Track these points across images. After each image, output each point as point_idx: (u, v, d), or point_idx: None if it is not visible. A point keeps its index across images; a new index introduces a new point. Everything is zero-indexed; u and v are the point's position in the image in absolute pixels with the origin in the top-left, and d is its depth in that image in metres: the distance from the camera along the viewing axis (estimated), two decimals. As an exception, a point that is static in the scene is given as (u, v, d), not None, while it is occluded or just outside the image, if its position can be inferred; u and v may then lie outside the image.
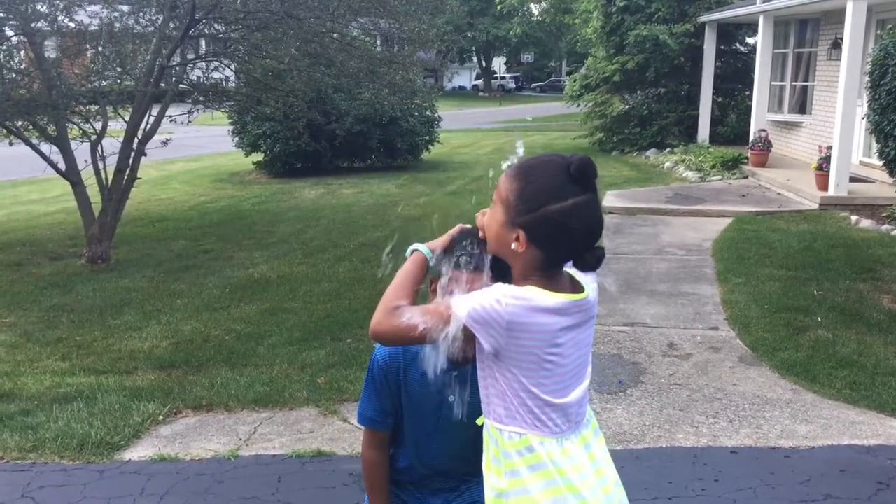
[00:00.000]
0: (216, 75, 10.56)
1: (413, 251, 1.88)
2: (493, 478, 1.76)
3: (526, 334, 1.65)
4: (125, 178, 8.78)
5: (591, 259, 1.69)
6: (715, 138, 17.11)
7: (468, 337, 1.67)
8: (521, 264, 1.71)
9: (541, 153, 1.78)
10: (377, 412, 2.15)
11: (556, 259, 1.71)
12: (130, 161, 8.77)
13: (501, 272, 1.81)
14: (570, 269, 1.76)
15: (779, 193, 11.85)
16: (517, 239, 1.67)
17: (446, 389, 2.05)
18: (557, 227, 1.65)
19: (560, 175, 1.65)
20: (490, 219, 1.74)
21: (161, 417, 4.65)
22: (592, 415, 1.86)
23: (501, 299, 1.63)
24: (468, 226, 1.97)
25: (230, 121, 15.47)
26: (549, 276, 1.70)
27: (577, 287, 1.74)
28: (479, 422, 1.82)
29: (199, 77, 10.29)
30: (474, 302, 1.65)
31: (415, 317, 1.69)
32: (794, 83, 15.36)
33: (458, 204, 11.84)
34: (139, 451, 4.26)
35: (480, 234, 1.81)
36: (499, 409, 1.74)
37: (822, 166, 10.96)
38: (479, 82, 64.10)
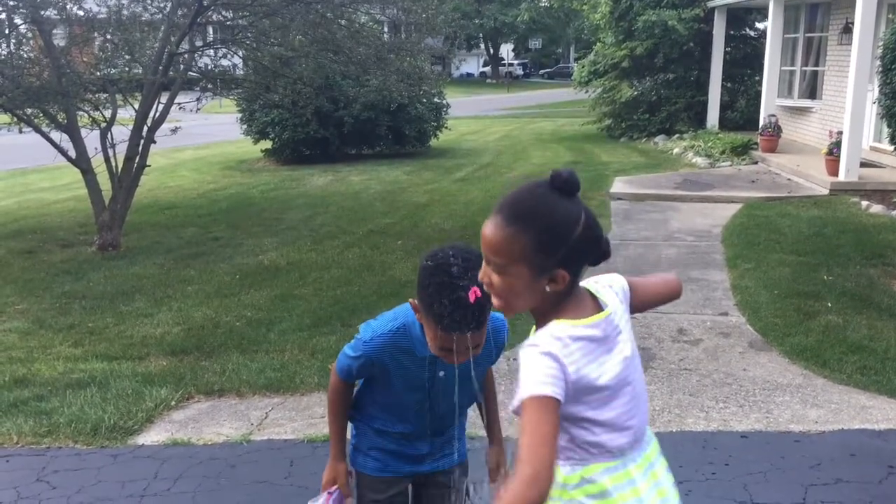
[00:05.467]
0: (224, 63, 10.56)
1: None
2: None
3: (586, 370, 1.60)
4: (135, 165, 8.81)
5: (606, 247, 1.64)
6: (724, 124, 17.03)
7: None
8: (548, 302, 1.63)
9: (508, 190, 1.67)
10: (352, 373, 2.31)
11: (582, 271, 1.66)
12: (140, 149, 8.80)
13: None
14: (587, 284, 1.72)
15: (789, 179, 11.79)
16: (552, 280, 1.59)
17: (436, 366, 2.21)
18: (590, 242, 1.60)
19: (560, 201, 1.58)
20: (508, 284, 1.61)
21: (173, 403, 4.68)
22: (653, 434, 1.82)
23: (558, 355, 1.56)
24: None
25: (238, 108, 15.48)
26: (576, 302, 1.65)
27: (598, 303, 1.70)
28: None
29: (207, 65, 10.30)
30: (535, 378, 1.55)
31: (540, 452, 1.50)
32: (804, 68, 15.26)
33: (467, 191, 11.84)
34: (152, 436, 4.30)
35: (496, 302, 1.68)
36: (560, 443, 1.66)
37: (833, 151, 10.91)
38: (487, 69, 63.94)
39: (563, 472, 1.67)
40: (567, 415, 1.60)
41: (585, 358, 1.60)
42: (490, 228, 1.61)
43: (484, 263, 1.65)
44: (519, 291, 1.61)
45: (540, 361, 1.56)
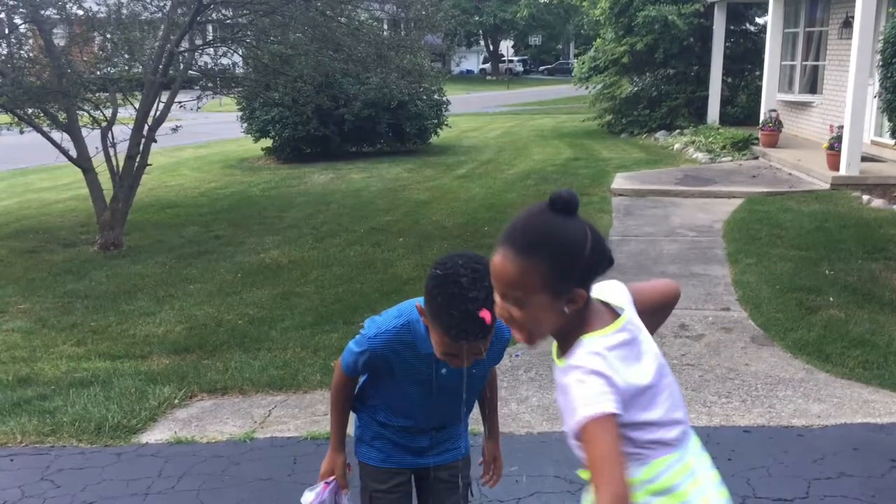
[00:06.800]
0: (224, 61, 10.56)
1: None
2: None
3: (630, 374, 1.61)
4: (136, 164, 8.82)
5: (610, 254, 1.65)
6: (725, 119, 17.01)
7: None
8: (569, 321, 1.63)
9: (513, 216, 1.66)
10: (356, 368, 2.35)
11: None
12: (141, 148, 8.80)
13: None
14: (595, 293, 1.71)
15: (790, 174, 11.78)
16: (571, 301, 1.59)
17: (439, 363, 2.22)
18: (601, 256, 1.61)
19: (565, 223, 1.58)
20: (530, 315, 1.60)
21: (177, 401, 4.69)
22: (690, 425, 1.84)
23: (602, 370, 1.57)
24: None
25: (238, 107, 15.47)
26: (594, 313, 1.66)
27: (611, 308, 1.71)
28: (583, 475, 1.67)
29: (207, 63, 10.30)
30: (589, 398, 1.54)
31: (614, 472, 1.50)
32: (804, 63, 15.24)
33: (468, 188, 11.84)
34: (156, 434, 4.31)
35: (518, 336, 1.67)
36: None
37: (834, 146, 10.89)
38: (487, 66, 63.91)
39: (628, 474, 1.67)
40: (622, 422, 1.60)
41: (625, 364, 1.62)
42: (503, 263, 1.58)
43: (499, 299, 1.63)
44: (541, 320, 1.62)
45: (588, 381, 1.56)
